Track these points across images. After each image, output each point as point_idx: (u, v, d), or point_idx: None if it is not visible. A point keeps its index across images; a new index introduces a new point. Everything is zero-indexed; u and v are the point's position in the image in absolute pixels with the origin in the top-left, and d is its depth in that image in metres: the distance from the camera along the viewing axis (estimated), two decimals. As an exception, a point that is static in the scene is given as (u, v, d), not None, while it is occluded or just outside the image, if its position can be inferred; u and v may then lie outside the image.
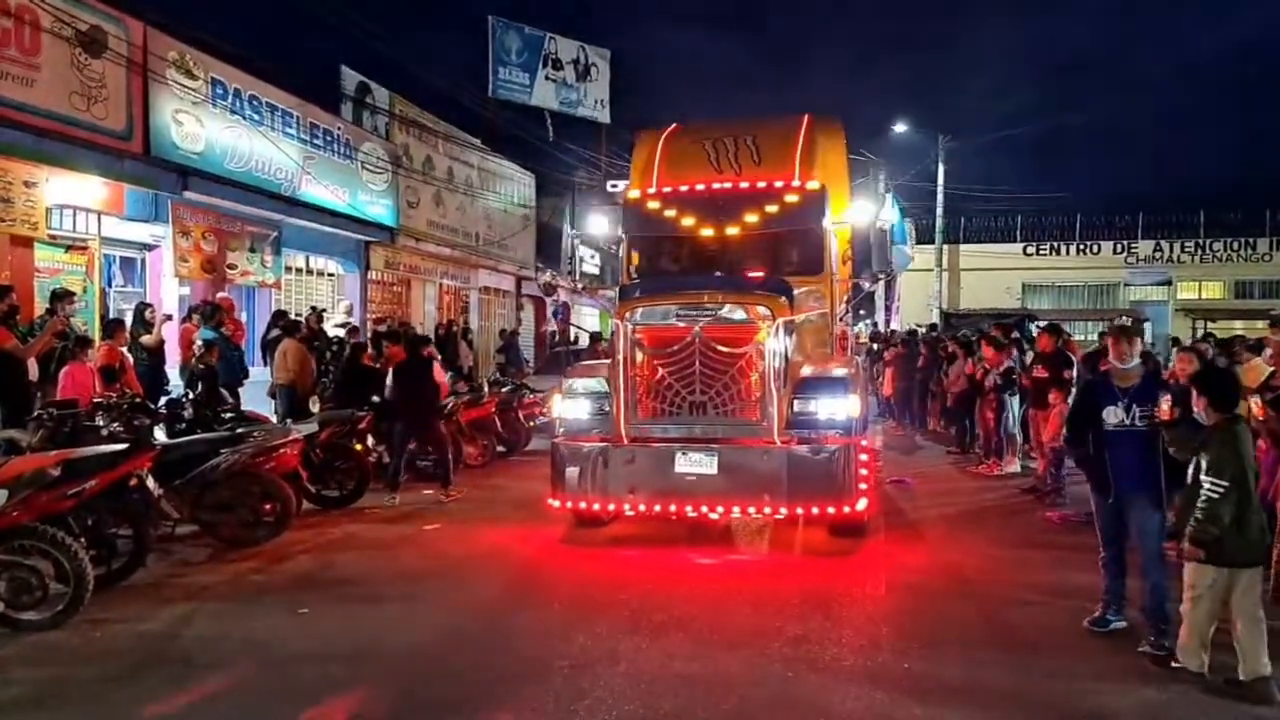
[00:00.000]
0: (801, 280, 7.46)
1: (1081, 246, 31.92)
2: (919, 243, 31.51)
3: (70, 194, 10.14)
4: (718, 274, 7.69)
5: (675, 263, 8.33)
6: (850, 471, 6.42)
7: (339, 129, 15.09)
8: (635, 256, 8.44)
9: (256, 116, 12.84)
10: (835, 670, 4.49)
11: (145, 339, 9.99)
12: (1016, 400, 10.38)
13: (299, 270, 15.68)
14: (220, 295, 11.92)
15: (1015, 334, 13.95)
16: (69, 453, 5.53)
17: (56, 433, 6.39)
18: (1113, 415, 4.90)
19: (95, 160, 10.11)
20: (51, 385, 7.99)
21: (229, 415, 8.55)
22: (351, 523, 7.96)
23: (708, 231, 7.92)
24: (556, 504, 6.92)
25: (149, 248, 12.34)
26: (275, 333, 11.78)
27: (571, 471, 6.77)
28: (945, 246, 30.81)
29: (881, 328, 27.97)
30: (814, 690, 4.25)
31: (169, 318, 10.72)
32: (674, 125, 8.80)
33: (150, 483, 6.11)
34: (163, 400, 8.96)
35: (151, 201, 11.45)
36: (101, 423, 6.63)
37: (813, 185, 7.73)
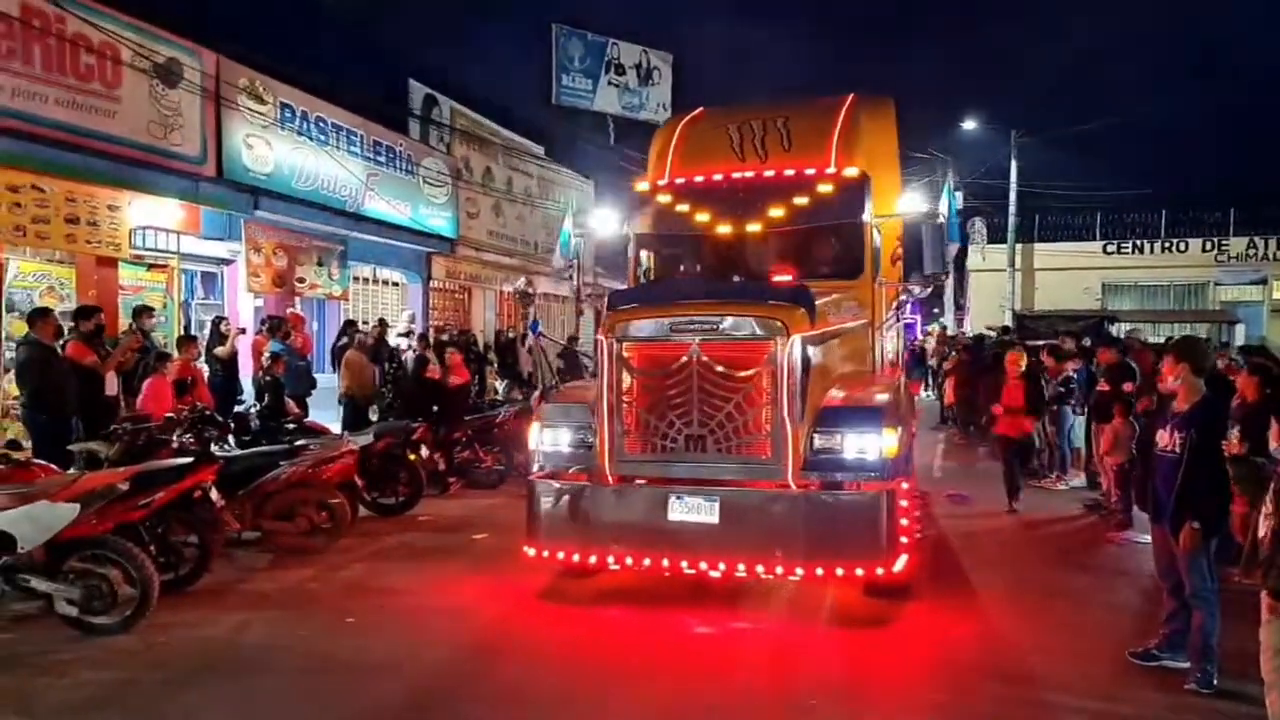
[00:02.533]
0: (835, 284, 6.57)
1: (1167, 244, 30.39)
2: (990, 241, 30.72)
3: (151, 216, 10.80)
4: (732, 279, 6.81)
5: (688, 266, 7.41)
6: (886, 523, 5.23)
7: (401, 145, 15.63)
8: (643, 259, 7.58)
9: (322, 137, 13.43)
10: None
11: (219, 350, 10.56)
12: (1076, 411, 10.09)
13: (365, 280, 16.31)
14: (290, 311, 12.48)
15: (1086, 341, 13.57)
16: (137, 468, 5.91)
17: (131, 445, 6.88)
18: (1161, 438, 4.76)
19: (173, 184, 10.76)
20: (135, 398, 8.53)
21: (291, 426, 9.00)
22: (405, 531, 8.24)
23: (725, 229, 6.91)
24: (532, 553, 5.91)
25: (226, 262, 13.02)
26: (343, 341, 12.31)
27: (548, 515, 5.82)
28: (1019, 245, 29.88)
29: (952, 329, 27.44)
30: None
31: (243, 331, 11.28)
32: (699, 110, 7.99)
33: (213, 494, 6.45)
34: (234, 410, 9.48)
35: (225, 220, 12.09)
36: (175, 435, 7.11)
37: (850, 172, 6.70)
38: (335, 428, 10.04)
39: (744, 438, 5.42)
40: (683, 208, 6.99)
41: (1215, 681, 4.37)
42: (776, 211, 6.71)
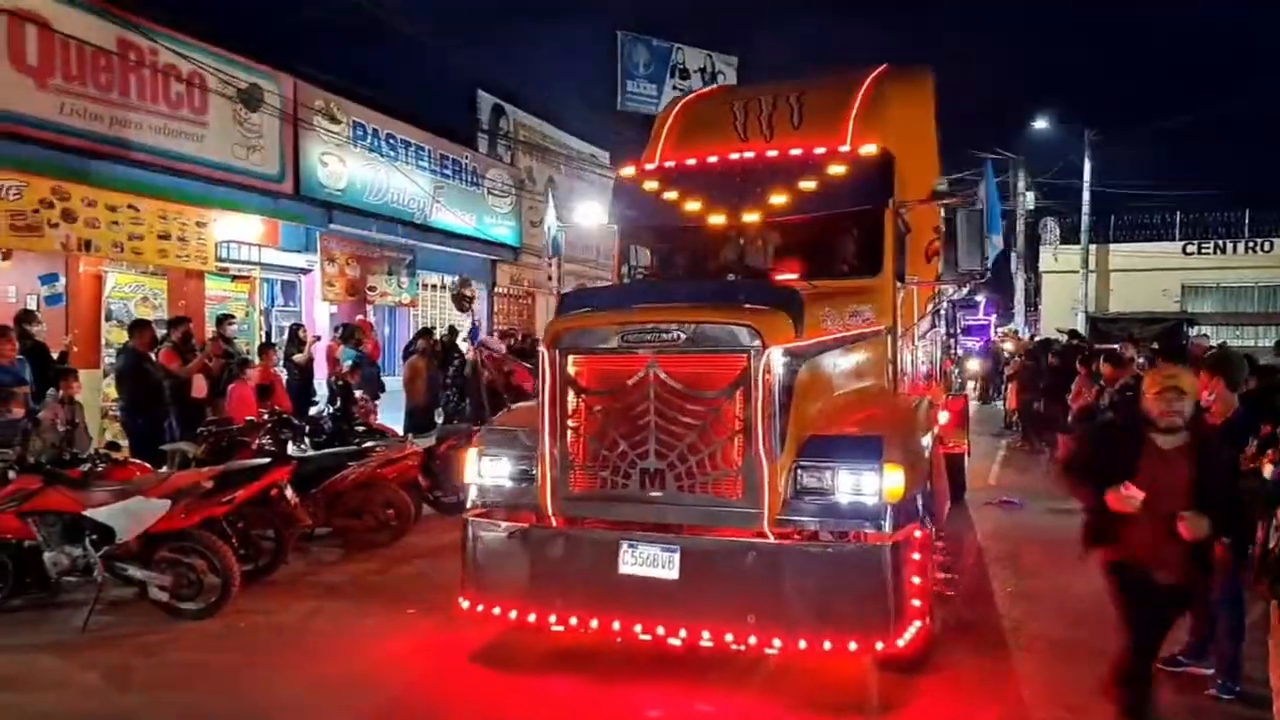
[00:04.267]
0: (848, 284, 5.66)
1: (1251, 244, 29.17)
2: (1063, 242, 29.95)
3: (234, 231, 11.59)
4: (726, 278, 5.87)
5: (678, 262, 6.59)
6: (890, 584, 4.14)
7: (466, 158, 16.27)
8: (631, 254, 6.75)
9: (392, 153, 14.12)
10: None
11: (297, 357, 11.24)
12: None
13: (434, 287, 16.99)
14: (359, 317, 13.16)
15: (1154, 345, 13.23)
16: (221, 468, 6.46)
17: (215, 446, 7.51)
18: None
19: (254, 201, 11.54)
20: (223, 401, 9.21)
21: (361, 429, 9.55)
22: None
23: (719, 219, 5.96)
24: (467, 605, 4.97)
25: (304, 272, 13.79)
26: (412, 348, 12.91)
27: (481, 562, 4.91)
28: (1093, 246, 29.06)
29: (1024, 332, 26.84)
30: None
31: (318, 338, 11.96)
32: (713, 87, 7.25)
33: (288, 492, 6.96)
34: (309, 413, 10.10)
35: (303, 234, 12.86)
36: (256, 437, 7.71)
37: (867, 151, 5.69)
38: (399, 431, 10.58)
39: (710, 473, 4.39)
40: (671, 195, 6.04)
41: (1238, 688, 4.43)
42: (779, 198, 5.74)
